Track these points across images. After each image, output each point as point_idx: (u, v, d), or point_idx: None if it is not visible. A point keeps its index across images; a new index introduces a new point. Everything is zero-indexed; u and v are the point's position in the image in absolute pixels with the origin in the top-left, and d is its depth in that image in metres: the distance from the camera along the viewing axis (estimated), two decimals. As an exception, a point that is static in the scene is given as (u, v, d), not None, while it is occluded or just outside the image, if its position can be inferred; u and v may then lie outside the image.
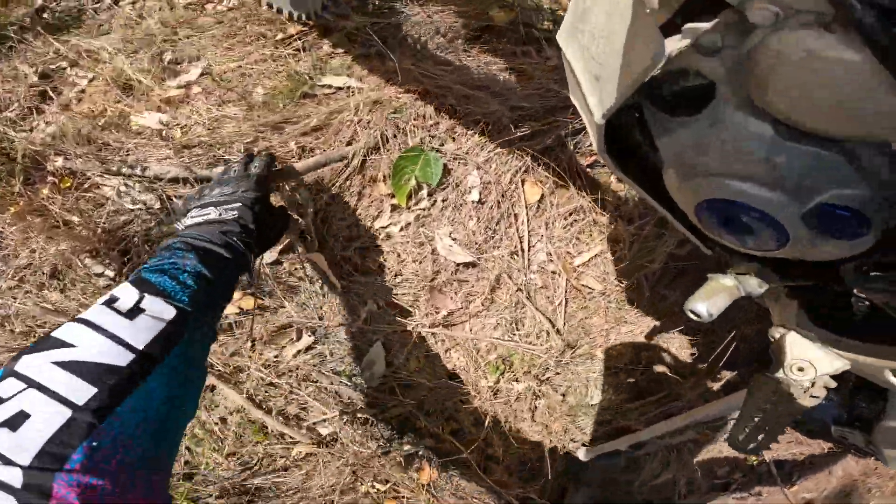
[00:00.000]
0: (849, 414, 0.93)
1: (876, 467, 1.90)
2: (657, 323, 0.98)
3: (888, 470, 1.97)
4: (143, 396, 0.38)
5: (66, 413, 0.34)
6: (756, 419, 0.65)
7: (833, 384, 0.72)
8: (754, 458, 1.43)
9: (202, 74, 1.00)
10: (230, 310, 0.95)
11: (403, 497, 1.06)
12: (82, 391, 0.35)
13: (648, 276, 0.96)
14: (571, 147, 1.00)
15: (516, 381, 0.94)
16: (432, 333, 0.93)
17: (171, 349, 0.42)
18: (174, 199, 0.96)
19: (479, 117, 0.98)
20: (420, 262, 0.92)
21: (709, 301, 0.51)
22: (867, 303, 0.55)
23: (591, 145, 1.01)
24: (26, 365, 0.37)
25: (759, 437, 0.69)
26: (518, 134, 0.95)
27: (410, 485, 1.03)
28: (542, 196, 0.97)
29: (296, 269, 0.94)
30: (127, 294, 0.43)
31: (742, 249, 0.52)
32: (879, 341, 0.53)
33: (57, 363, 0.37)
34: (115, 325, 0.40)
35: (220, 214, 0.60)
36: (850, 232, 0.42)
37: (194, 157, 0.95)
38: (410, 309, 0.93)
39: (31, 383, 0.35)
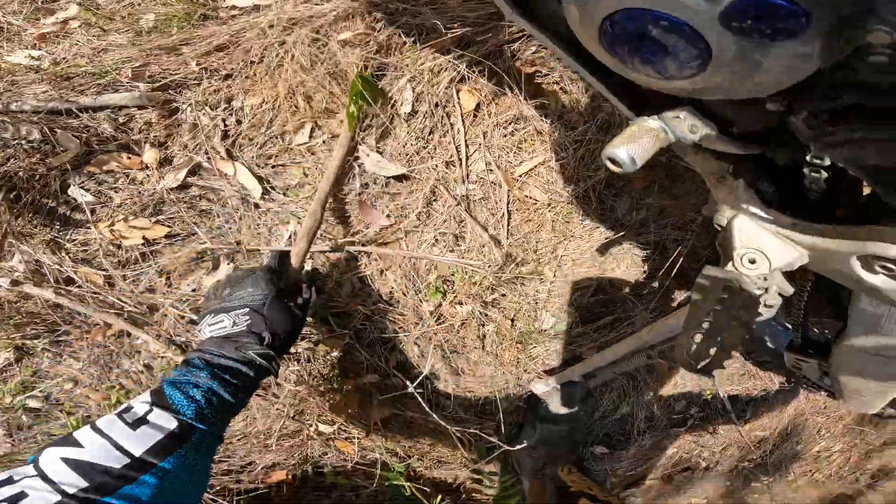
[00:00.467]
0: (803, 338, 0.90)
1: (825, 405, 1.95)
2: (609, 234, 0.93)
3: (837, 409, 2.03)
4: (133, 491, 0.46)
5: (56, 497, 0.42)
6: (705, 326, 0.59)
7: (788, 290, 0.67)
8: (709, 390, 1.43)
9: (83, 9, 0.88)
10: (135, 241, 0.84)
11: (354, 437, 0.99)
12: (75, 483, 0.44)
13: (595, 187, 0.91)
14: (510, 55, 0.93)
15: (460, 304, 0.88)
16: (366, 253, 0.85)
17: (168, 455, 0.49)
18: (57, 132, 0.84)
19: (412, 28, 0.89)
20: (346, 176, 0.84)
21: (629, 144, 0.43)
22: (823, 173, 0.49)
23: (534, 52, 0.94)
24: (45, 457, 0.46)
25: (712, 352, 0.64)
26: (451, 39, 0.87)
27: (358, 424, 0.96)
28: (479, 104, 0.89)
29: (206, 192, 0.84)
30: (140, 406, 0.52)
31: (664, 83, 0.45)
32: (839, 222, 0.48)
33: (63, 458, 0.45)
34: (119, 433, 0.48)
35: (234, 323, 0.63)
36: (783, 27, 0.35)
37: (76, 86, 0.85)
38: (338, 226, 0.85)
39: (40, 473, 0.44)
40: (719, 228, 0.56)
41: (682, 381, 1.29)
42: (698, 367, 0.57)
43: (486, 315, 0.91)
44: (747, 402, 1.55)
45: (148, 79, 0.88)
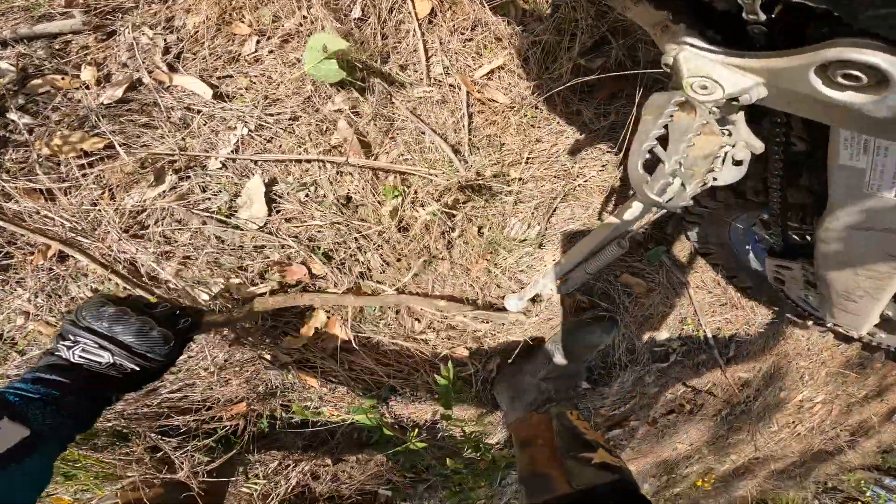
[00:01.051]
0: (784, 244, 0.87)
1: (808, 347, 1.95)
2: (577, 137, 0.90)
3: (820, 353, 2.03)
4: None
5: None
6: (655, 134, 0.54)
7: (757, 144, 0.63)
8: (690, 320, 1.41)
9: None
10: (73, 153, 0.79)
11: (316, 367, 0.95)
12: None
13: (560, 91, 0.88)
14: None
15: (422, 205, 0.84)
16: (321, 162, 0.81)
17: (17, 460, 0.51)
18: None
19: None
20: (294, 81, 0.80)
21: None
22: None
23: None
24: None
25: (674, 181, 0.60)
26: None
27: (318, 352, 0.92)
28: (433, 10, 0.86)
29: (147, 106, 0.79)
30: None
31: None
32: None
33: None
34: None
35: (113, 364, 0.59)
36: None
37: (9, 20, 0.81)
38: (290, 132, 0.81)
39: None
40: (667, 69, 0.52)
41: (663, 308, 1.27)
42: (661, 197, 0.53)
43: (452, 217, 0.87)
44: (730, 338, 1.54)
45: (83, 6, 0.84)
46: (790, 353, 1.87)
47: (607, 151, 0.94)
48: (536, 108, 0.89)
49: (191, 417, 0.97)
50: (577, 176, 0.94)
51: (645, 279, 1.14)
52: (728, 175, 0.59)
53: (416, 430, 1.08)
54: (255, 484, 1.14)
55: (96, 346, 0.58)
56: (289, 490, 1.18)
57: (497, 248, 0.93)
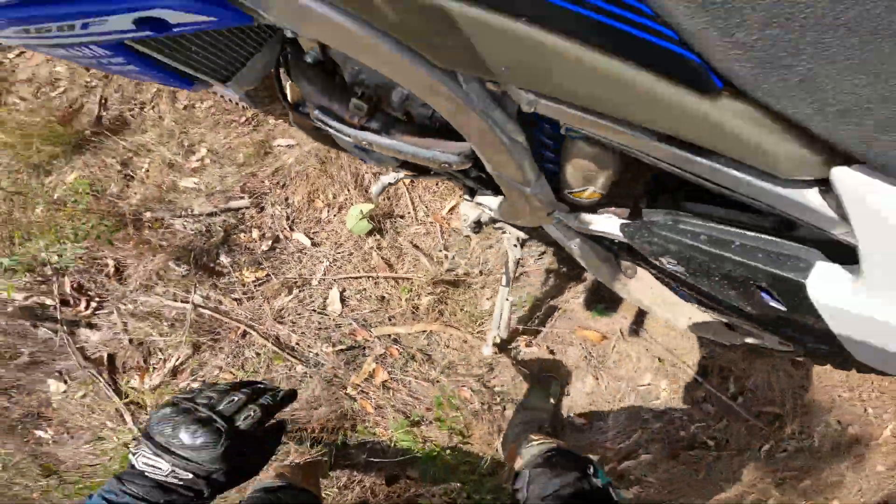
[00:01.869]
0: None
1: (847, 376, 1.81)
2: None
3: (865, 378, 1.85)
4: None
5: None
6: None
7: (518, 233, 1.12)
8: (665, 363, 1.67)
9: (208, 151, 1.71)
10: (251, 279, 1.56)
11: (370, 398, 1.53)
12: None
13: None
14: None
15: (428, 295, 1.43)
16: (366, 277, 1.46)
17: None
18: (210, 224, 1.63)
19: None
20: (355, 242, 1.48)
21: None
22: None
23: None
24: None
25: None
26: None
27: (371, 387, 1.51)
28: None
29: (282, 250, 1.54)
30: None
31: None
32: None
33: None
34: None
35: (172, 473, 0.57)
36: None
37: (218, 197, 1.63)
38: (349, 261, 1.48)
39: None
40: None
41: (629, 351, 1.59)
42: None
43: (445, 303, 1.44)
44: (721, 370, 1.66)
45: (247, 191, 1.66)
46: (817, 383, 1.81)
47: (543, 245, 1.44)
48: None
49: (293, 426, 1.60)
50: (524, 266, 1.45)
51: (599, 331, 1.53)
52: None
53: (434, 444, 1.56)
54: (329, 493, 1.69)
55: (153, 453, 0.57)
56: (351, 500, 1.69)
57: (475, 319, 1.46)
